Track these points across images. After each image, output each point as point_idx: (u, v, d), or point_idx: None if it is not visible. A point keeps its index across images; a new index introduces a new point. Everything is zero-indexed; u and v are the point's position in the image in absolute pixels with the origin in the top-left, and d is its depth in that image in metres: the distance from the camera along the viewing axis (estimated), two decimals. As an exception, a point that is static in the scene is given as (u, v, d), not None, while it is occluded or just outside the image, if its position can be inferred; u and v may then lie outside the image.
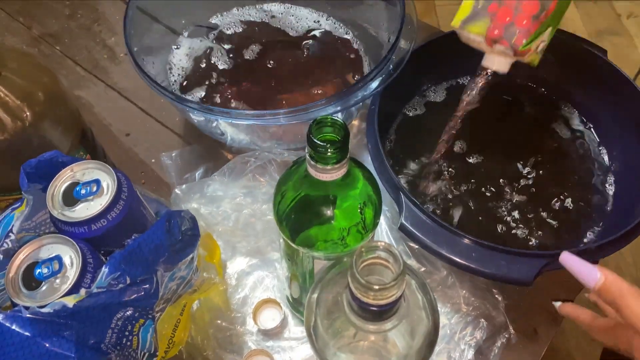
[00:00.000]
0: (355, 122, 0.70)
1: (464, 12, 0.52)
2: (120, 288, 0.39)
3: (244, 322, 0.57)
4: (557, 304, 0.48)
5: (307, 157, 0.39)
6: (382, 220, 0.61)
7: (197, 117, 0.62)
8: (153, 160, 0.69)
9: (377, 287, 0.30)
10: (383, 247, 0.31)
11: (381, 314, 0.32)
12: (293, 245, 0.45)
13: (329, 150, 0.37)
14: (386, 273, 0.32)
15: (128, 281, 0.39)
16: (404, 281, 0.30)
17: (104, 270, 0.38)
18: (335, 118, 0.39)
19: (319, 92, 0.65)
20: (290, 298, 0.57)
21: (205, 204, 0.61)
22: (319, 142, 0.37)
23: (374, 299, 0.30)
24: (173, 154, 0.66)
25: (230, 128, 0.62)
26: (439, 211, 0.58)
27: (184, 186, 0.61)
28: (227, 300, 0.58)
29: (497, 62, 0.53)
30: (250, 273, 0.60)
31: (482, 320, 0.56)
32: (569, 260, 0.40)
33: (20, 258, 0.42)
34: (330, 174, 0.39)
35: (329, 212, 0.43)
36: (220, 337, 0.56)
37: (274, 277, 0.60)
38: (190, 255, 0.45)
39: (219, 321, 0.57)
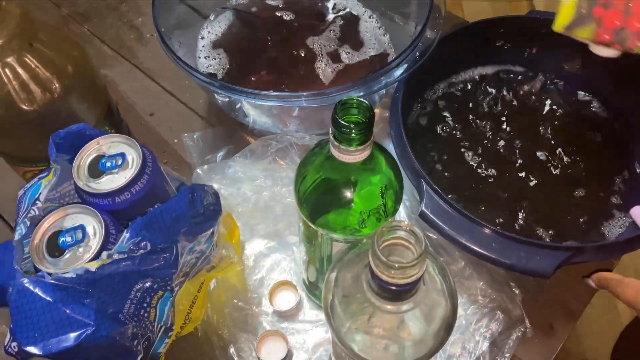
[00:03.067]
0: (378, 110, 0.70)
1: (566, 16, 0.48)
2: (140, 254, 0.40)
3: (260, 303, 0.58)
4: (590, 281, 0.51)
5: (331, 137, 0.39)
6: (402, 209, 0.61)
7: (221, 98, 0.62)
8: (175, 141, 0.70)
9: (397, 265, 0.30)
10: (405, 226, 0.31)
11: (400, 294, 0.32)
12: (312, 226, 0.45)
13: (353, 131, 0.37)
14: (406, 254, 0.32)
15: (148, 247, 0.40)
16: (424, 262, 0.30)
17: (125, 234, 0.39)
18: (361, 100, 0.39)
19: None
20: (306, 281, 0.57)
21: (226, 185, 0.61)
22: (343, 123, 0.37)
23: (394, 278, 0.30)
24: (195, 135, 0.67)
25: (254, 110, 0.62)
26: (460, 200, 0.58)
27: (205, 167, 0.62)
28: (244, 281, 0.59)
29: (604, 51, 0.50)
30: (268, 255, 0.60)
31: (499, 312, 0.55)
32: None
33: (45, 226, 0.43)
34: (354, 156, 0.39)
35: (349, 195, 0.43)
36: (235, 317, 0.56)
37: (291, 260, 0.60)
38: (211, 230, 0.45)
39: (235, 301, 0.57)
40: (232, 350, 0.55)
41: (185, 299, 0.51)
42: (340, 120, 0.38)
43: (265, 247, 0.61)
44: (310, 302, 0.58)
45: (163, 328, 0.47)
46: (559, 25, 0.50)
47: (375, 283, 0.32)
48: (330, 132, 0.39)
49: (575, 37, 0.50)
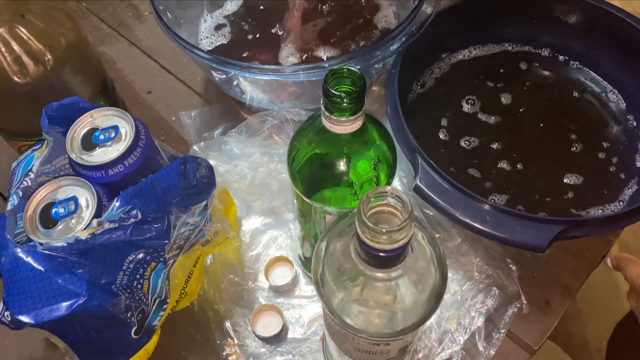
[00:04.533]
0: (376, 88, 0.69)
1: None
2: (131, 223, 0.40)
3: (256, 278, 0.58)
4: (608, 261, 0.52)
5: (322, 108, 0.39)
6: (398, 186, 0.61)
7: (218, 75, 0.62)
8: (173, 118, 0.69)
9: (384, 229, 0.29)
10: (391, 192, 0.30)
11: (388, 260, 0.32)
12: (306, 200, 0.45)
13: (344, 100, 0.37)
14: (393, 221, 0.32)
15: (139, 216, 0.40)
16: (411, 227, 0.30)
17: (115, 203, 0.39)
18: (352, 68, 0.38)
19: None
20: (302, 257, 0.57)
21: (223, 162, 0.61)
22: (334, 92, 0.37)
23: (381, 244, 0.30)
24: (192, 113, 0.67)
25: (250, 87, 0.62)
26: (456, 175, 0.57)
27: (202, 143, 0.62)
28: (241, 257, 0.59)
29: None
30: (264, 231, 0.60)
31: (495, 288, 0.55)
32: None
33: (39, 198, 0.43)
34: (345, 126, 0.39)
35: (342, 167, 0.43)
36: (231, 292, 0.57)
37: (287, 236, 0.60)
38: (204, 202, 0.45)
39: (231, 276, 0.57)
40: (227, 324, 0.55)
41: (181, 273, 0.51)
42: (331, 90, 0.37)
43: (261, 224, 0.61)
44: (306, 278, 0.58)
45: (157, 300, 0.48)
46: None
47: (363, 250, 0.32)
48: (321, 102, 0.39)
49: None
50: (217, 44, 0.69)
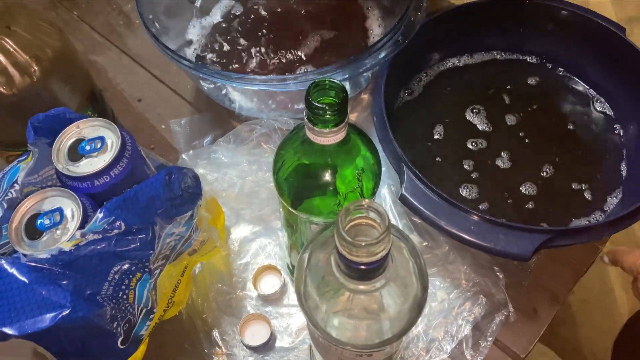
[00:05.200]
0: (365, 97, 0.70)
1: None
2: (115, 234, 0.40)
3: (244, 287, 0.58)
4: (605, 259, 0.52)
5: (306, 120, 0.39)
6: (387, 195, 0.61)
7: (206, 84, 0.62)
8: (163, 127, 0.70)
9: (363, 243, 0.30)
10: (367, 205, 0.31)
11: (368, 273, 0.32)
12: (292, 210, 0.45)
13: (327, 112, 0.37)
14: (373, 233, 0.32)
15: (123, 227, 0.40)
16: (389, 239, 0.30)
17: (98, 214, 0.39)
18: (334, 80, 0.39)
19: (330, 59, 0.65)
20: (290, 266, 0.57)
21: (211, 170, 0.62)
22: (317, 105, 0.37)
23: (360, 257, 0.30)
24: (182, 121, 0.67)
25: (239, 95, 0.62)
26: (442, 184, 0.58)
27: (190, 152, 0.62)
28: (229, 265, 0.59)
29: None
30: (253, 240, 0.61)
31: (482, 296, 0.55)
32: None
33: (24, 209, 0.43)
34: (329, 138, 0.39)
35: (326, 178, 0.43)
36: (220, 301, 0.57)
37: (276, 245, 0.60)
38: (190, 212, 0.45)
39: (219, 285, 0.57)
40: (216, 333, 0.55)
41: (168, 282, 0.51)
42: (313, 102, 0.37)
43: (250, 232, 0.61)
44: (294, 286, 0.58)
45: (144, 310, 0.48)
46: None
47: (343, 263, 0.32)
48: (304, 115, 0.39)
49: None
50: (207, 52, 0.69)
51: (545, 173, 0.59)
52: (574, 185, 0.58)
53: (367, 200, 0.31)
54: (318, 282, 0.36)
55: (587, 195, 0.57)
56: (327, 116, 0.38)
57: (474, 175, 0.59)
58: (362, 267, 0.31)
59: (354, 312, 0.36)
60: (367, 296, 0.35)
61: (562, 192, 0.58)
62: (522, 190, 0.58)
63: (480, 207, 0.57)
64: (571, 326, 1.18)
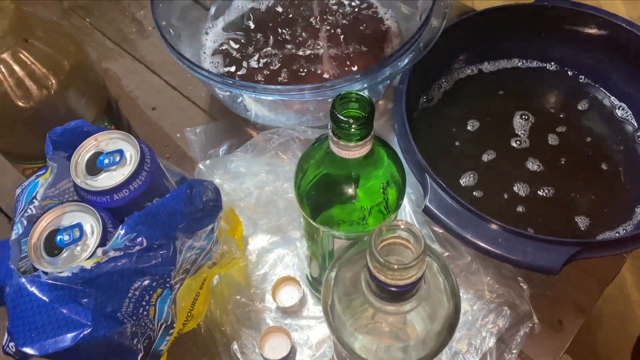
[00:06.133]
0: (382, 102, 0.69)
1: None
2: (137, 251, 0.39)
3: (263, 298, 0.57)
4: None
5: (330, 133, 0.38)
6: (407, 203, 0.60)
7: (222, 92, 0.62)
8: (178, 135, 0.69)
9: (396, 266, 0.29)
10: (404, 226, 0.30)
11: (400, 295, 0.31)
12: (313, 223, 0.45)
13: (352, 126, 0.36)
14: (406, 253, 0.31)
15: (145, 244, 0.39)
16: (424, 262, 0.29)
17: (120, 231, 0.38)
18: (361, 93, 0.38)
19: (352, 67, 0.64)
20: (309, 277, 0.56)
21: (228, 180, 0.61)
22: (342, 118, 0.36)
23: (393, 279, 0.30)
24: (198, 130, 0.66)
25: (255, 104, 0.61)
26: (466, 195, 0.57)
27: (207, 161, 0.61)
28: (247, 277, 0.58)
29: None
30: (271, 250, 0.60)
31: (506, 308, 0.54)
32: None
33: (43, 224, 0.43)
34: (353, 152, 0.38)
35: (350, 191, 0.42)
36: (238, 313, 0.56)
37: (294, 255, 0.59)
38: (210, 226, 0.45)
39: (238, 297, 0.57)
40: (235, 346, 0.54)
41: (188, 295, 0.51)
42: (338, 115, 0.36)
43: (268, 243, 0.60)
44: (313, 298, 0.57)
45: (164, 326, 0.47)
46: None
47: (374, 284, 0.31)
48: (329, 127, 0.38)
49: None
50: (221, 58, 0.68)
51: (569, 183, 0.58)
52: (601, 196, 0.57)
53: (403, 221, 0.30)
54: (346, 302, 0.35)
55: (615, 206, 0.56)
56: (353, 130, 0.37)
57: (498, 184, 0.58)
58: (394, 289, 0.31)
59: (383, 332, 0.35)
60: (397, 317, 0.34)
61: (588, 203, 0.56)
62: (544, 199, 0.57)
63: (505, 216, 0.56)
64: (588, 331, 1.17)
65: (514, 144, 0.61)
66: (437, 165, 0.57)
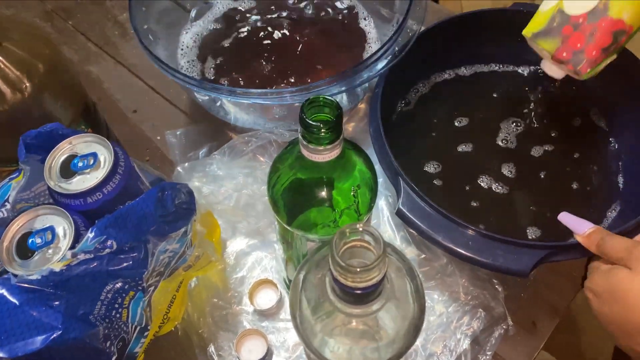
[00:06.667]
0: (362, 106, 0.69)
1: (538, 25, 0.51)
2: (107, 254, 0.39)
3: (241, 301, 0.57)
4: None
5: (300, 137, 0.39)
6: (384, 207, 0.61)
7: (201, 96, 0.62)
8: (158, 138, 0.69)
9: (358, 269, 0.29)
10: (362, 228, 0.30)
11: (363, 297, 0.32)
12: (286, 227, 0.45)
13: (322, 130, 0.37)
14: (368, 256, 0.31)
15: (115, 246, 0.39)
16: (385, 263, 0.30)
17: (89, 234, 0.39)
18: (329, 98, 0.38)
19: (326, 71, 0.64)
20: (287, 280, 0.57)
21: (207, 183, 0.61)
22: (311, 122, 0.37)
23: (354, 282, 0.30)
24: (178, 132, 0.66)
25: (234, 107, 0.62)
26: (439, 199, 0.57)
27: (186, 164, 0.61)
28: (225, 279, 0.58)
29: (553, 70, 0.54)
30: (249, 253, 0.60)
31: (481, 310, 0.55)
32: (565, 217, 0.47)
33: (15, 227, 0.43)
34: (324, 155, 0.39)
35: (322, 194, 0.42)
36: (216, 316, 0.56)
37: (273, 258, 0.59)
38: (183, 229, 0.45)
39: (215, 300, 0.57)
40: (211, 349, 0.54)
41: (163, 298, 0.51)
42: (307, 120, 0.37)
43: (246, 245, 0.60)
44: (291, 301, 0.57)
45: (138, 328, 0.47)
46: (529, 31, 0.52)
47: (337, 287, 0.32)
48: (299, 132, 0.39)
49: (536, 46, 0.52)
50: (201, 61, 0.69)
51: (541, 186, 0.59)
52: (570, 199, 0.58)
53: (361, 224, 0.30)
54: (313, 305, 0.36)
55: (585, 209, 0.57)
56: (322, 134, 0.37)
57: (468, 187, 0.59)
58: (357, 291, 0.31)
59: (350, 335, 0.35)
60: (363, 319, 0.34)
61: (558, 205, 0.57)
62: (517, 204, 0.58)
63: (476, 221, 0.56)
64: (573, 331, 1.17)
65: (488, 146, 0.61)
66: (412, 168, 0.58)
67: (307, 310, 0.36)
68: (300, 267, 0.38)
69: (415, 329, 0.35)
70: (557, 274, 0.58)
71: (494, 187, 0.59)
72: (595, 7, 0.48)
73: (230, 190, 0.61)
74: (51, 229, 0.42)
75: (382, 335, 0.35)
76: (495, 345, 0.54)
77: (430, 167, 0.60)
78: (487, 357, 0.53)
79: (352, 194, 0.42)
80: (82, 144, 0.46)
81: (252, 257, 0.60)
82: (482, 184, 0.59)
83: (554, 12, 0.50)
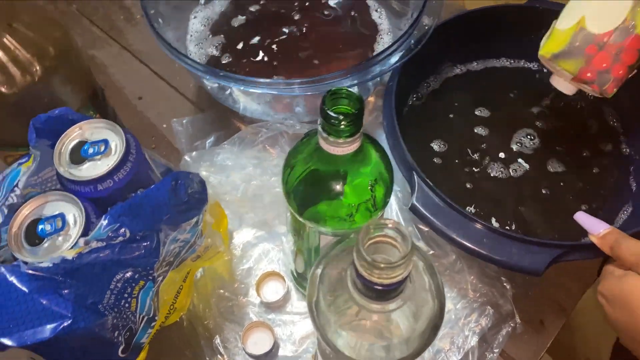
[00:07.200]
0: (372, 99, 0.68)
1: (557, 45, 0.48)
2: (119, 242, 0.38)
3: (247, 293, 0.57)
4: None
5: (319, 129, 0.38)
6: (393, 201, 0.60)
7: (210, 84, 0.61)
8: (164, 126, 0.68)
9: (383, 265, 0.29)
10: (392, 225, 0.30)
11: (385, 293, 0.31)
12: (300, 219, 0.44)
13: (342, 122, 0.36)
14: (393, 252, 0.31)
15: (128, 235, 0.38)
16: (411, 261, 0.29)
17: (103, 221, 0.38)
18: (351, 90, 0.37)
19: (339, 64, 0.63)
20: (294, 272, 0.56)
21: (215, 173, 0.60)
22: (332, 114, 0.36)
23: (379, 278, 0.29)
24: (184, 121, 0.65)
25: (244, 97, 0.61)
26: (454, 194, 0.56)
27: (193, 153, 0.61)
28: (232, 271, 0.58)
29: (565, 87, 0.52)
30: (256, 245, 0.59)
31: (489, 307, 0.55)
32: (581, 216, 0.46)
33: (24, 213, 0.42)
34: (343, 148, 0.38)
35: (338, 188, 0.42)
36: (222, 307, 0.56)
37: (280, 250, 0.59)
38: (195, 219, 0.44)
39: (221, 291, 0.56)
40: (217, 340, 0.54)
41: (171, 288, 0.50)
42: (328, 112, 0.36)
43: (253, 237, 0.60)
44: (298, 294, 0.57)
45: (145, 318, 0.46)
46: (548, 51, 0.49)
47: (360, 282, 0.31)
48: (318, 123, 0.38)
49: (555, 66, 0.50)
50: (210, 47, 0.68)
51: (554, 187, 0.59)
52: (583, 198, 0.57)
53: (391, 220, 0.29)
54: (331, 299, 0.35)
55: (598, 210, 0.56)
56: (342, 126, 0.36)
57: (487, 184, 0.58)
58: (380, 287, 0.30)
59: (367, 330, 0.35)
60: (381, 316, 0.34)
61: (570, 205, 0.57)
62: (531, 204, 0.57)
63: (492, 216, 0.56)
64: (568, 330, 1.18)
65: (500, 139, 0.61)
66: (425, 161, 0.57)
67: (324, 304, 0.35)
68: (318, 262, 0.37)
69: (434, 327, 0.34)
70: (566, 273, 0.57)
71: (503, 178, 0.58)
72: (621, 24, 0.45)
73: (238, 180, 0.60)
74: (61, 215, 0.41)
75: (398, 332, 0.35)
76: (502, 343, 0.54)
77: (440, 163, 0.60)
78: (495, 355, 0.53)
79: (369, 188, 0.42)
80: (92, 129, 0.46)
81: (259, 248, 0.59)
82: (491, 174, 0.58)
83: (575, 31, 0.47)
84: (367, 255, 0.29)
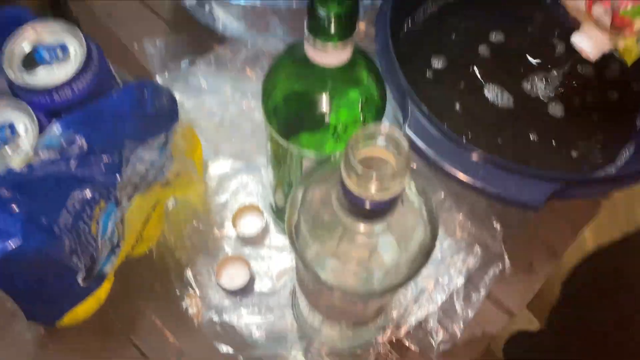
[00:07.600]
0: (362, 26, 0.63)
1: None
2: (75, 154, 0.34)
3: (222, 226, 0.53)
4: None
5: (306, 32, 0.33)
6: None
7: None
8: (135, 47, 0.62)
9: (375, 174, 0.25)
10: (385, 131, 0.26)
11: (374, 213, 0.28)
12: (283, 142, 0.40)
13: (332, 21, 0.31)
14: (384, 170, 0.27)
15: (84, 145, 0.34)
16: (406, 174, 0.26)
17: (55, 129, 0.33)
18: (344, -14, 0.32)
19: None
20: (274, 206, 0.52)
21: (188, 97, 0.55)
22: (321, 12, 0.31)
23: (370, 192, 0.26)
24: (157, 41, 0.60)
25: (224, 13, 0.55)
26: (449, 123, 0.52)
27: (166, 74, 0.56)
28: (206, 203, 0.54)
29: (587, 43, 0.47)
30: (233, 176, 0.55)
31: (477, 246, 0.52)
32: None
33: (-32, 123, 0.37)
34: (331, 56, 0.34)
35: (324, 105, 0.37)
36: (195, 240, 0.52)
37: (259, 182, 0.55)
38: (163, 136, 0.40)
39: (195, 223, 0.52)
40: (189, 274, 0.51)
41: (138, 215, 0.46)
42: (317, 8, 0.31)
43: (230, 168, 0.56)
44: (277, 228, 0.53)
45: (109, 245, 0.43)
46: None
47: (347, 200, 0.27)
48: (305, 26, 0.33)
49: None
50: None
51: (553, 121, 0.55)
52: (584, 136, 0.54)
53: (385, 126, 0.25)
54: (312, 221, 0.32)
55: (599, 147, 0.53)
56: (333, 27, 0.32)
57: (484, 113, 0.54)
58: (369, 206, 0.27)
59: (351, 256, 0.32)
60: (368, 239, 0.30)
61: (572, 140, 0.53)
62: (529, 135, 0.54)
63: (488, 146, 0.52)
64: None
65: (498, 67, 0.57)
66: (421, 89, 0.52)
67: (305, 228, 0.32)
68: (299, 183, 0.33)
69: (425, 254, 0.31)
70: (558, 215, 0.55)
71: (502, 107, 0.54)
72: None
73: (215, 106, 0.55)
74: (10, 125, 0.37)
75: (386, 258, 0.32)
76: (490, 284, 0.51)
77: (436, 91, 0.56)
78: (481, 296, 0.51)
79: (358, 106, 0.38)
80: (48, 32, 0.40)
81: (236, 180, 0.55)
82: (488, 97, 0.55)
83: None
84: (357, 166, 0.25)
